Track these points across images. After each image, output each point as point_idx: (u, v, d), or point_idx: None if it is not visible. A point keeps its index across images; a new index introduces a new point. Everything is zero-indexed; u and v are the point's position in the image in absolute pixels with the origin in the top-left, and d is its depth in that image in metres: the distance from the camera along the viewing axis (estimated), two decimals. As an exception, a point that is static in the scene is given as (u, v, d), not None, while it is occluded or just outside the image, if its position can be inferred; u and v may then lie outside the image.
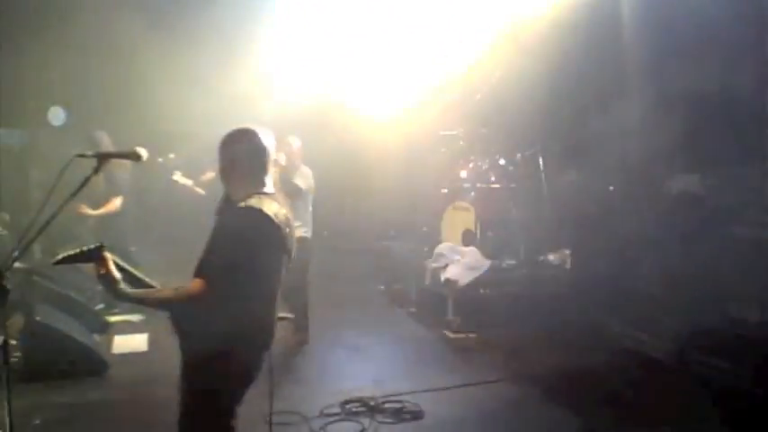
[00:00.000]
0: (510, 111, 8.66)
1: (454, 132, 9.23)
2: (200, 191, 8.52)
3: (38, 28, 11.16)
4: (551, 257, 8.41)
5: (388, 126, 9.34)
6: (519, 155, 8.62)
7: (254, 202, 3.13)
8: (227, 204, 3.32)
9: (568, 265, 8.23)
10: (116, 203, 7.89)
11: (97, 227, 8.03)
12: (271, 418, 3.89)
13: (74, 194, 3.10)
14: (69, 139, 15.93)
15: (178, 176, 8.68)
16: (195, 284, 3.00)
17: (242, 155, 3.26)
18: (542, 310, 7.36)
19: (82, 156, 3.19)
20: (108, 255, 3.07)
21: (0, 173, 16.42)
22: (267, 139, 3.31)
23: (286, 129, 3.30)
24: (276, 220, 3.14)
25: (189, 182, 8.67)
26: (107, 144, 7.65)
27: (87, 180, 3.12)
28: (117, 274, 3.04)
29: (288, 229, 3.23)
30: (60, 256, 3.09)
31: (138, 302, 3.11)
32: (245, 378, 3.27)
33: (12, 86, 12.55)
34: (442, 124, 9.34)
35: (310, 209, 7.01)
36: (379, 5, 8.79)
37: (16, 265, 8.80)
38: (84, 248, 3.07)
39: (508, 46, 8.32)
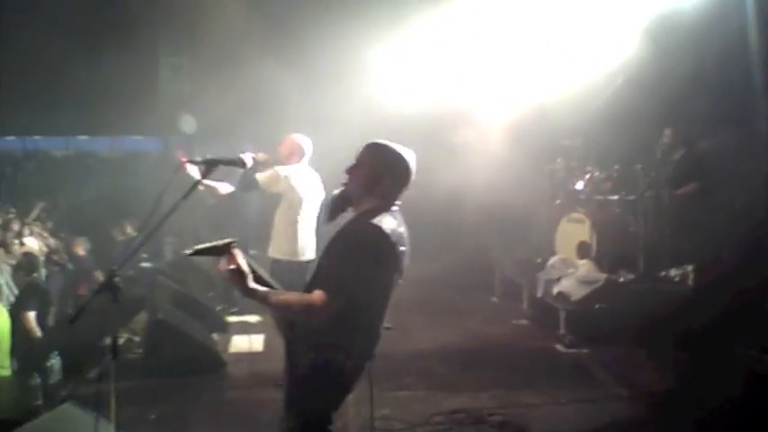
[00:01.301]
0: (631, 118, 8.39)
1: (576, 144, 9.03)
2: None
3: (171, 39, 11.74)
4: (672, 273, 8.05)
5: (502, 133, 9.23)
6: (639, 165, 8.32)
7: (377, 219, 3.15)
8: (339, 201, 3.34)
9: (691, 282, 7.86)
10: (225, 188, 7.97)
11: (219, 226, 8.33)
12: (372, 423, 3.92)
13: (184, 197, 3.25)
14: (201, 145, 16.74)
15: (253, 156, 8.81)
16: (318, 296, 3.05)
17: (386, 176, 3.26)
18: (661, 328, 7.07)
19: (192, 162, 3.35)
20: (238, 251, 3.15)
21: (137, 178, 17.45)
22: (410, 163, 3.30)
23: (393, 137, 3.31)
24: (393, 238, 3.15)
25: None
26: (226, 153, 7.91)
27: (197, 184, 3.27)
28: (247, 270, 3.12)
29: (402, 247, 3.23)
30: (194, 249, 3.19)
31: (261, 300, 3.13)
32: (347, 387, 3.31)
33: (147, 96, 13.31)
34: (560, 132, 9.18)
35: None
36: (498, 6, 8.71)
37: (145, 265, 9.38)
38: (218, 243, 3.16)
39: (641, 48, 8.06)
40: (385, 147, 3.32)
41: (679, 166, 8.29)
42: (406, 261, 3.31)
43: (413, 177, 3.31)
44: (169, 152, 20.59)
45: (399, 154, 3.30)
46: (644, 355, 6.81)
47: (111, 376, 3.06)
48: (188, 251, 3.21)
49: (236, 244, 3.16)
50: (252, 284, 3.11)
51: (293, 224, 6.01)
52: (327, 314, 3.06)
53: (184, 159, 6.57)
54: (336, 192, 3.39)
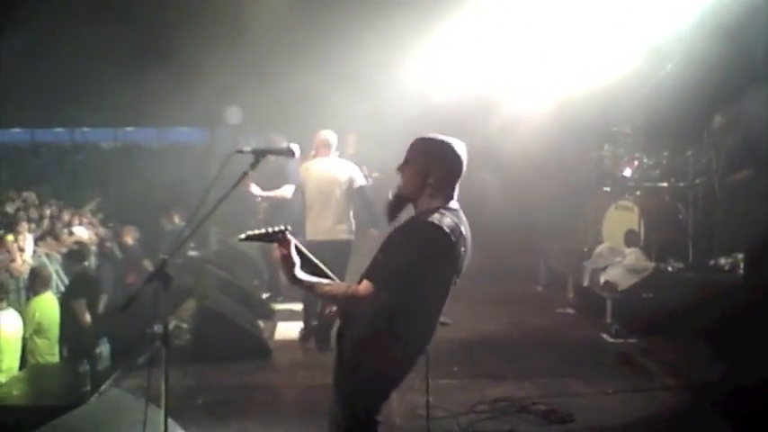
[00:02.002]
0: (680, 104, 8.22)
1: (624, 130, 8.88)
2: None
3: (215, 31, 11.83)
4: (722, 261, 7.89)
5: (548, 121, 9.12)
6: (689, 152, 8.15)
7: (436, 217, 3.13)
8: (396, 203, 3.31)
9: (741, 271, 7.69)
10: (288, 191, 8.16)
11: (267, 216, 8.43)
12: (428, 413, 3.92)
13: (233, 188, 3.27)
14: (246, 136, 16.93)
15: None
16: (364, 287, 3.07)
17: (437, 169, 3.23)
18: (711, 318, 6.93)
19: (240, 152, 3.38)
20: (291, 238, 3.19)
21: (183, 168, 17.71)
22: (462, 156, 3.27)
23: (437, 128, 3.30)
24: (453, 237, 3.12)
25: None
26: (280, 144, 7.95)
27: (244, 175, 3.29)
28: (297, 258, 3.16)
29: (462, 248, 3.20)
30: (246, 234, 3.21)
31: (308, 289, 3.19)
32: (395, 380, 3.32)
33: (193, 87, 13.46)
34: (607, 119, 9.03)
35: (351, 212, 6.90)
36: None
37: (192, 253, 9.52)
38: (270, 229, 3.18)
39: (695, 31, 7.88)
40: (431, 139, 3.29)
41: (731, 153, 8.10)
42: (466, 261, 3.28)
43: (464, 167, 3.27)
44: (215, 142, 20.91)
45: (447, 144, 3.27)
46: (692, 344, 6.69)
47: (163, 363, 3.10)
48: (241, 236, 3.24)
49: (288, 231, 3.19)
50: (299, 273, 3.15)
51: (305, 209, 6.93)
52: (372, 305, 3.06)
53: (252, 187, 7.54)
54: (391, 193, 3.37)
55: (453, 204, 3.26)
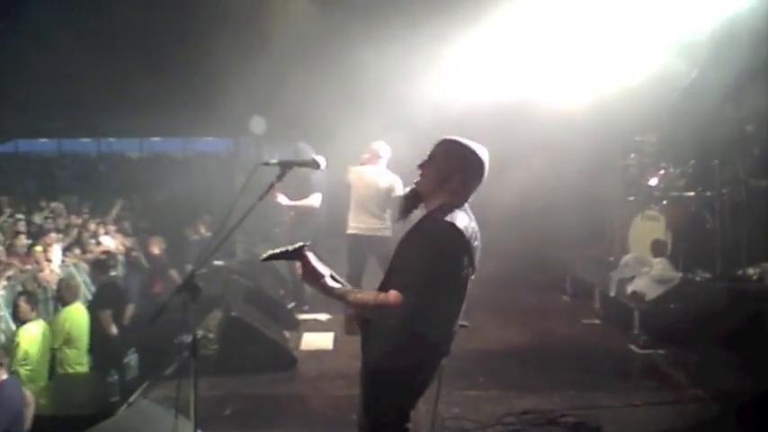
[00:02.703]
0: (706, 113, 8.15)
1: (650, 139, 8.82)
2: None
3: (240, 40, 11.92)
4: (750, 271, 7.80)
5: (572, 130, 9.08)
6: (715, 161, 8.07)
7: (450, 216, 3.15)
8: (410, 200, 3.34)
9: (770, 280, 7.61)
10: (315, 200, 8.22)
11: (292, 226, 8.48)
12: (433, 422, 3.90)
13: (260, 198, 3.31)
14: (270, 146, 17.03)
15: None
16: (393, 296, 3.08)
17: (457, 172, 3.25)
18: (739, 328, 6.85)
19: (266, 164, 3.41)
20: (309, 253, 3.22)
21: (208, 178, 17.86)
22: (484, 162, 3.28)
23: (462, 134, 3.30)
24: (467, 235, 3.16)
25: None
26: (308, 154, 7.96)
27: (271, 186, 3.32)
28: (322, 270, 3.20)
29: (475, 242, 3.23)
30: (267, 254, 3.24)
31: (338, 298, 3.21)
32: (422, 384, 3.32)
33: (217, 97, 13.57)
34: (632, 128, 8.98)
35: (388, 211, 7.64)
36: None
37: (218, 263, 9.55)
38: (289, 247, 3.22)
39: (716, 40, 7.82)
40: (457, 142, 3.31)
41: (758, 161, 8.02)
42: (478, 256, 3.30)
43: (486, 174, 3.29)
44: (239, 152, 21.07)
45: (472, 149, 3.28)
46: (721, 355, 6.60)
47: (192, 375, 3.13)
48: (263, 256, 3.26)
49: (307, 247, 3.22)
50: (330, 282, 3.18)
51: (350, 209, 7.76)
52: (403, 313, 3.07)
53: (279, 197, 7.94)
54: (408, 189, 3.39)
55: (465, 204, 3.29)
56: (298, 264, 3.22)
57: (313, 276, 3.19)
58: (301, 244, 3.22)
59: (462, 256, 3.17)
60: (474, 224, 3.25)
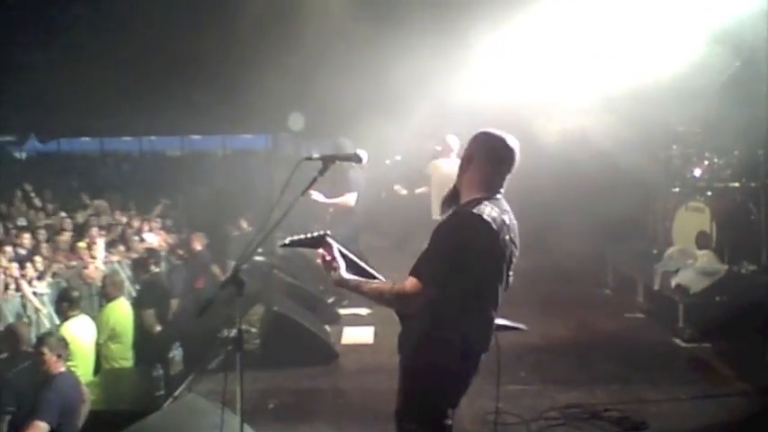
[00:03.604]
0: (750, 102, 7.97)
1: (693, 129, 8.67)
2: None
3: (277, 37, 11.99)
4: (799, 263, 7.64)
5: (614, 120, 8.95)
6: (761, 151, 7.89)
7: (477, 208, 3.13)
8: (453, 204, 3.34)
9: (818, 272, 7.43)
10: (351, 199, 8.27)
11: (331, 223, 8.51)
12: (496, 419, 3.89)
13: (302, 193, 3.33)
14: (307, 142, 17.13)
15: (398, 188, 9.97)
16: (410, 283, 3.08)
17: (481, 157, 3.25)
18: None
19: (309, 159, 3.43)
20: (332, 242, 3.25)
21: (247, 175, 18.02)
22: (513, 150, 3.26)
23: (500, 128, 3.30)
24: (494, 226, 3.11)
25: (404, 192, 9.91)
26: (349, 148, 8.00)
27: (314, 181, 3.34)
28: (340, 261, 3.22)
29: (507, 236, 3.18)
30: (288, 240, 3.30)
31: (353, 289, 3.23)
32: (459, 381, 3.28)
33: (255, 94, 13.68)
34: (675, 118, 8.82)
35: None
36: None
37: (259, 259, 9.62)
38: (310, 234, 3.27)
39: (759, 27, 7.66)
40: (485, 133, 3.31)
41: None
42: (515, 251, 3.26)
43: (516, 163, 3.26)
44: (278, 149, 21.21)
45: (499, 138, 3.26)
46: (766, 348, 6.49)
47: (238, 369, 3.16)
48: (284, 242, 3.30)
49: (328, 236, 3.25)
50: (344, 274, 3.20)
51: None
52: (420, 301, 3.06)
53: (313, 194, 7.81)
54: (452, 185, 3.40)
55: (497, 195, 3.25)
56: (320, 251, 3.24)
57: (329, 266, 3.22)
58: (324, 232, 3.26)
59: (489, 247, 3.13)
60: (507, 217, 3.20)
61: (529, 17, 8.99)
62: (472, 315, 3.19)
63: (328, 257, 3.23)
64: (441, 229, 3.17)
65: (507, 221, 3.19)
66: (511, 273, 3.31)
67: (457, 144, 8.40)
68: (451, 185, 3.39)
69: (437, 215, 7.70)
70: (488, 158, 3.24)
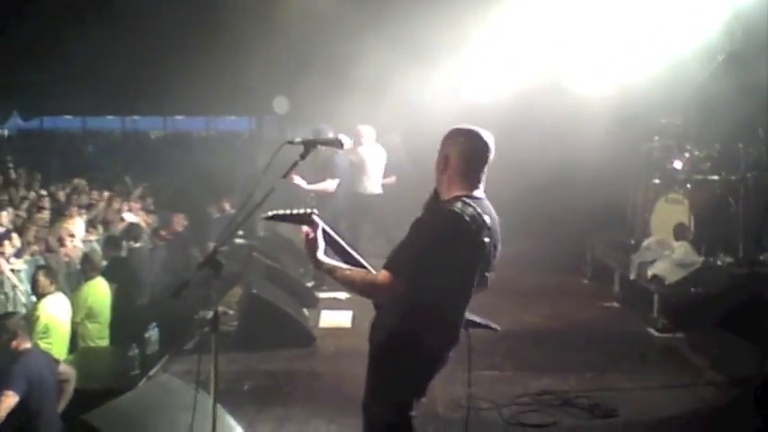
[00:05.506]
0: (732, 96, 8.03)
1: (674, 122, 8.72)
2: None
3: (263, 20, 11.92)
4: (774, 256, 7.72)
5: (597, 111, 8.99)
6: (740, 144, 7.95)
7: (456, 206, 3.12)
8: (433, 201, 3.33)
9: (793, 266, 7.51)
10: (331, 185, 8.27)
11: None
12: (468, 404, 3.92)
13: (284, 176, 3.33)
14: (292, 125, 17.08)
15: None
16: (382, 275, 3.07)
17: (456, 155, 3.23)
18: (760, 314, 6.79)
19: (291, 143, 3.42)
20: (319, 221, 3.22)
21: (231, 157, 17.94)
22: (487, 143, 3.24)
23: (485, 121, 3.30)
24: (473, 226, 3.11)
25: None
26: (328, 135, 7.99)
27: (295, 165, 3.34)
28: (321, 242, 3.20)
29: (487, 237, 3.17)
30: (272, 213, 3.26)
31: (327, 273, 3.21)
32: (425, 372, 3.31)
33: (241, 76, 13.61)
34: (657, 110, 8.87)
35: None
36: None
37: (239, 241, 9.62)
38: (296, 211, 3.23)
39: (743, 23, 7.71)
40: (458, 129, 3.29)
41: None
42: (494, 252, 3.26)
43: (490, 156, 3.25)
44: (262, 132, 21.15)
45: (473, 132, 3.25)
46: (740, 340, 6.56)
47: (213, 350, 3.16)
48: (268, 214, 3.28)
49: (315, 214, 3.23)
50: (321, 256, 3.19)
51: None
52: (389, 294, 3.07)
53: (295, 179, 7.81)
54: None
55: (477, 193, 3.24)
56: (304, 229, 3.23)
57: (310, 246, 3.21)
58: (309, 210, 3.23)
59: (463, 244, 3.12)
60: (488, 218, 3.18)
61: (513, 10, 9.02)
62: (442, 310, 3.20)
63: (312, 236, 3.21)
64: (417, 224, 3.16)
65: (488, 222, 3.18)
66: (488, 273, 3.31)
67: (371, 133, 9.00)
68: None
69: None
70: (463, 154, 3.22)
